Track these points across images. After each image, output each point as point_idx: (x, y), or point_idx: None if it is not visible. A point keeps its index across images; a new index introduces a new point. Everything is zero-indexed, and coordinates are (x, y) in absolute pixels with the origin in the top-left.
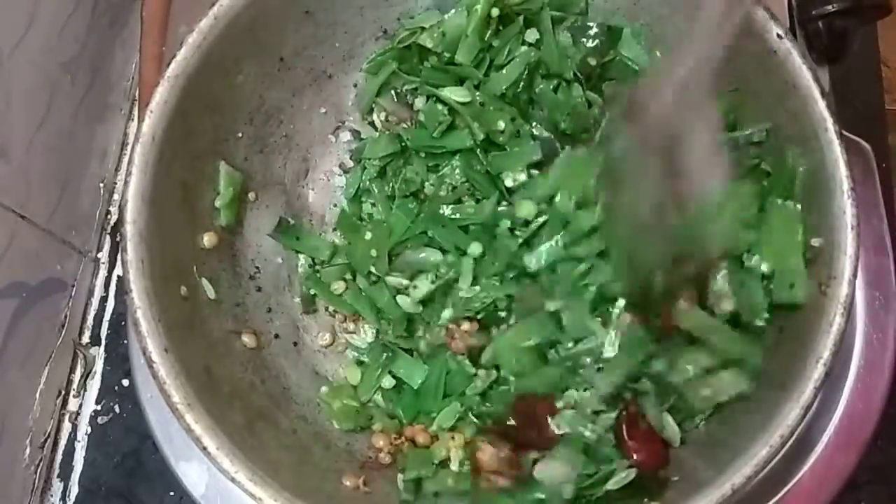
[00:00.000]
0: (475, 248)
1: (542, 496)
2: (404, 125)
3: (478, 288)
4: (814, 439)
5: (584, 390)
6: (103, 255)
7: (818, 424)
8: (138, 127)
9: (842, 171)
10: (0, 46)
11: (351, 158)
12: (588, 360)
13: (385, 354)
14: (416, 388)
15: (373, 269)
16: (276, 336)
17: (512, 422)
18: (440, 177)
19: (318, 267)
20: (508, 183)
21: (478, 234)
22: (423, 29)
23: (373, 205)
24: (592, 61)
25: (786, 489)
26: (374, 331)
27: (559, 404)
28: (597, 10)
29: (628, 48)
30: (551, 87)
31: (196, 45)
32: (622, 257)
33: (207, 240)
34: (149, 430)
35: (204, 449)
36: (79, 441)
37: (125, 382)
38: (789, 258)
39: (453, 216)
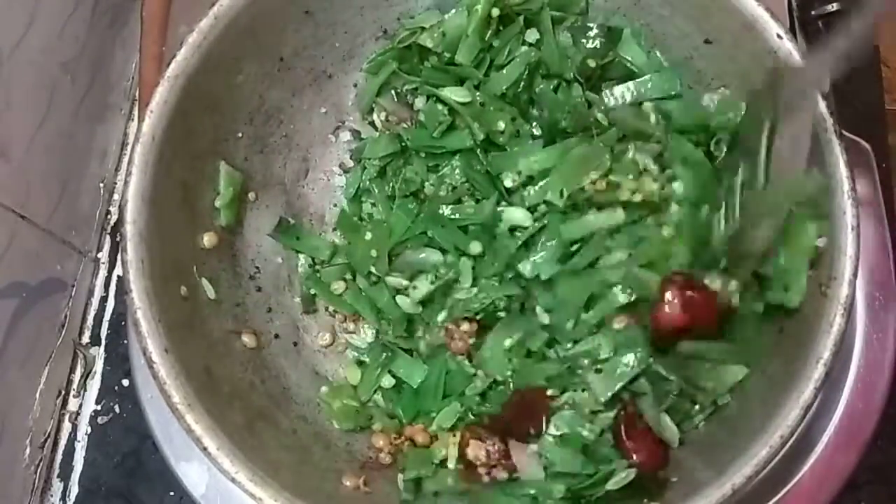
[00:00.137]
0: (475, 248)
1: (533, 491)
2: (404, 125)
3: (477, 289)
4: (814, 439)
5: (583, 390)
6: (103, 255)
7: (818, 424)
8: (138, 127)
9: (842, 171)
10: (0, 46)
11: (351, 158)
12: (586, 361)
13: (385, 354)
14: (415, 387)
15: (373, 270)
16: (276, 336)
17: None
18: (440, 177)
19: (318, 267)
20: (508, 183)
21: (477, 235)
22: (423, 29)
23: (373, 205)
24: (592, 63)
25: (786, 489)
26: (374, 331)
27: (557, 403)
28: (597, 10)
29: (628, 49)
30: (551, 87)
31: (196, 45)
32: (697, 241)
33: (207, 240)
34: (149, 431)
35: (204, 449)
36: (79, 441)
37: (125, 382)
38: (794, 259)
39: (453, 216)
